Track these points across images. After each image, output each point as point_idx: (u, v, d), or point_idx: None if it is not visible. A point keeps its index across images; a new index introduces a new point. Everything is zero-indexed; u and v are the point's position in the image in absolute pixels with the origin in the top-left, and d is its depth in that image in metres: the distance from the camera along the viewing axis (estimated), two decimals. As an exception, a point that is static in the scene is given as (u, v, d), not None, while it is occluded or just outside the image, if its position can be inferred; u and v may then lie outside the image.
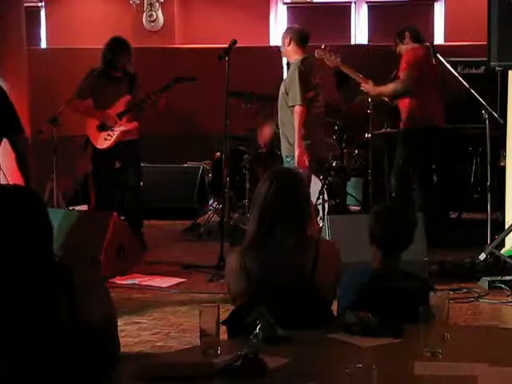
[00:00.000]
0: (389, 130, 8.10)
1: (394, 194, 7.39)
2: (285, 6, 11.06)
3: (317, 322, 2.95)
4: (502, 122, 6.78)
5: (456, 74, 6.95)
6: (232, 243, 6.61)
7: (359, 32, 10.87)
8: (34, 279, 2.39)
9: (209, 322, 2.66)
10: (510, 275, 6.08)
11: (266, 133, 8.10)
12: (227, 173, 7.07)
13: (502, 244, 6.53)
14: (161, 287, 6.16)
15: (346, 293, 3.20)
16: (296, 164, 6.35)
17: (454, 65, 7.47)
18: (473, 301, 5.72)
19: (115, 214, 6.60)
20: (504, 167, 7.07)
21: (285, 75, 7.21)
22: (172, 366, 2.54)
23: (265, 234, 3.10)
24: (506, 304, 5.68)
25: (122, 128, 7.30)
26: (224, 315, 2.89)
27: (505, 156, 7.06)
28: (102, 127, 7.33)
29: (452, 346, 2.70)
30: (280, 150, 6.80)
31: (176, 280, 6.37)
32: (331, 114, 7.74)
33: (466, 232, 7.66)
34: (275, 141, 7.20)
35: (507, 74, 6.87)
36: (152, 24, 10.77)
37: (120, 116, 7.30)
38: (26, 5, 8.42)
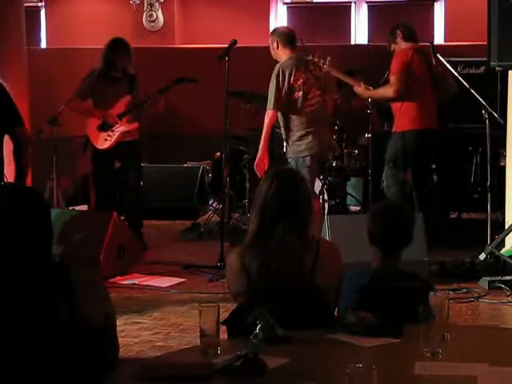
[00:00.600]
0: (389, 130, 8.09)
1: (388, 196, 7.35)
2: (285, 6, 11.06)
3: (317, 321, 2.95)
4: (502, 121, 6.78)
5: (456, 74, 6.95)
6: (232, 243, 6.61)
7: (359, 32, 10.87)
8: (33, 279, 2.39)
9: (209, 322, 2.66)
10: (509, 275, 6.08)
11: None
12: (227, 173, 7.07)
13: (501, 244, 6.53)
14: (161, 287, 6.16)
15: (346, 293, 3.19)
16: (255, 165, 6.51)
17: (454, 65, 7.47)
18: (473, 301, 5.72)
19: (115, 213, 6.60)
20: (504, 167, 7.07)
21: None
22: (172, 366, 2.54)
23: (265, 234, 3.10)
24: (506, 304, 5.68)
25: (123, 128, 7.31)
26: (224, 315, 2.89)
27: (505, 156, 7.06)
28: (103, 127, 7.33)
29: (452, 346, 2.70)
30: (280, 149, 6.85)
31: (176, 280, 6.37)
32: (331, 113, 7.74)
33: (466, 232, 7.66)
34: (275, 141, 7.20)
35: (507, 73, 6.87)
36: (152, 24, 10.77)
37: (120, 117, 7.30)
38: (26, 5, 8.42)
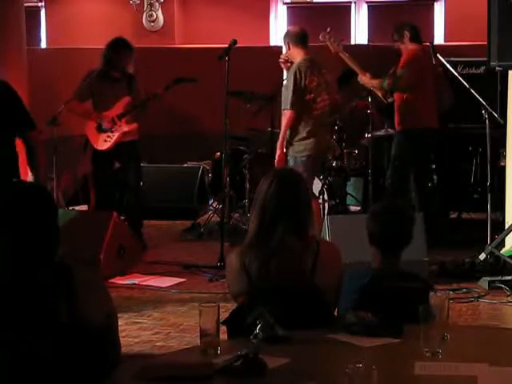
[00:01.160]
0: (389, 130, 8.09)
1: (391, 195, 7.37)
2: (285, 6, 11.05)
3: (317, 322, 2.95)
4: (502, 121, 6.78)
5: (456, 74, 6.95)
6: (232, 243, 6.61)
7: (359, 32, 10.86)
8: (34, 279, 2.39)
9: (209, 322, 2.66)
10: (509, 275, 6.08)
11: None
12: (227, 173, 7.08)
13: (501, 244, 6.54)
14: (161, 287, 6.16)
15: (346, 293, 3.19)
16: (276, 164, 6.53)
17: (454, 65, 7.47)
18: (473, 301, 5.73)
19: (115, 213, 6.60)
20: (504, 167, 7.07)
21: (285, 75, 7.22)
22: (172, 366, 2.54)
23: (265, 234, 3.10)
24: (506, 304, 5.68)
25: (123, 129, 7.30)
26: (224, 315, 2.89)
27: (505, 156, 7.06)
28: (102, 128, 7.33)
29: (452, 346, 2.70)
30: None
31: (176, 280, 6.37)
32: (331, 113, 7.74)
33: (466, 232, 7.66)
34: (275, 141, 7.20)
35: (507, 73, 6.88)
36: (152, 24, 10.77)
37: (120, 117, 7.30)
38: (26, 5, 8.43)
